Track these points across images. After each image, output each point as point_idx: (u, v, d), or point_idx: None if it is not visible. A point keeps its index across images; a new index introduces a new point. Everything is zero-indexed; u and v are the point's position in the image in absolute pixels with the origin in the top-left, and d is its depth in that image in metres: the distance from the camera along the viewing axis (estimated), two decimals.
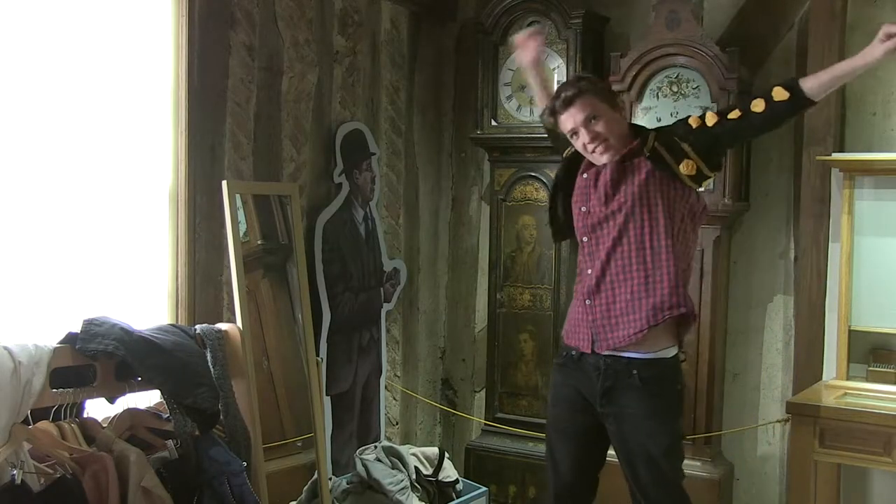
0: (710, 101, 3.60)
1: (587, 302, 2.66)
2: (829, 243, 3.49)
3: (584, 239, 2.69)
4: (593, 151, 2.63)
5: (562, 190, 2.81)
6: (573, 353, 2.71)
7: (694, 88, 3.65)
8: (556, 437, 2.79)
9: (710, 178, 2.69)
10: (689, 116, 2.67)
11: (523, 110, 4.02)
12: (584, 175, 2.70)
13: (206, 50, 3.16)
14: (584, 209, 2.68)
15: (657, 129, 2.70)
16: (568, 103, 2.62)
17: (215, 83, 3.23)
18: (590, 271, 2.67)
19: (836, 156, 3.46)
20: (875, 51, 2.46)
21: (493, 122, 4.04)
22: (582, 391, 2.70)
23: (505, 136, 4.03)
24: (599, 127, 2.61)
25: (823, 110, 3.49)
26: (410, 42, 4.31)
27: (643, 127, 2.77)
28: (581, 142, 2.64)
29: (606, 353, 2.62)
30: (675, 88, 3.68)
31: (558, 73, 3.92)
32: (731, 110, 2.60)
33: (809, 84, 2.51)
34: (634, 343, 2.58)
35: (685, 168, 2.59)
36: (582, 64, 3.82)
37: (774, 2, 3.80)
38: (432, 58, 4.45)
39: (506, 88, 4.04)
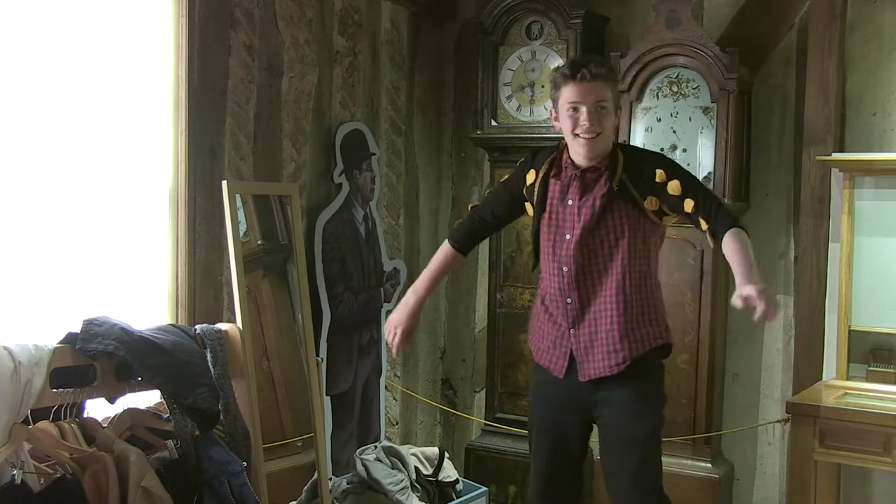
0: (710, 101, 3.60)
1: (571, 331, 2.65)
2: (829, 243, 3.49)
3: (565, 268, 2.63)
4: (584, 136, 2.55)
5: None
6: None
7: (694, 88, 3.65)
8: (538, 436, 2.78)
9: (672, 216, 2.64)
10: (669, 179, 2.57)
11: (523, 110, 4.02)
12: (570, 202, 2.63)
13: (206, 50, 3.16)
14: (568, 237, 2.63)
15: (625, 156, 2.62)
16: (593, 77, 2.54)
17: (215, 83, 3.23)
18: (570, 300, 2.64)
19: (836, 156, 3.46)
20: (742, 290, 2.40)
21: (493, 122, 4.04)
22: (567, 388, 2.69)
23: (505, 136, 4.03)
24: (604, 118, 2.57)
25: (823, 110, 3.49)
26: (410, 42, 4.31)
27: (617, 145, 2.68)
28: (576, 120, 2.55)
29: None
30: (675, 88, 3.68)
31: None
32: (706, 219, 2.54)
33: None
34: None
35: (649, 204, 2.59)
36: None
37: (774, 2, 3.80)
38: (432, 58, 4.45)
39: (506, 88, 4.04)
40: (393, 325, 2.82)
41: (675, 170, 2.62)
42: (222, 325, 2.75)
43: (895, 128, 3.55)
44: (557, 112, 2.65)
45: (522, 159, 2.85)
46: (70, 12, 2.77)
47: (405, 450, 3.60)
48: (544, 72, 3.96)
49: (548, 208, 2.68)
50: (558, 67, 2.68)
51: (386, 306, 4.05)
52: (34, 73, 2.68)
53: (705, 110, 3.64)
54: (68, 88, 2.78)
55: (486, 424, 4.18)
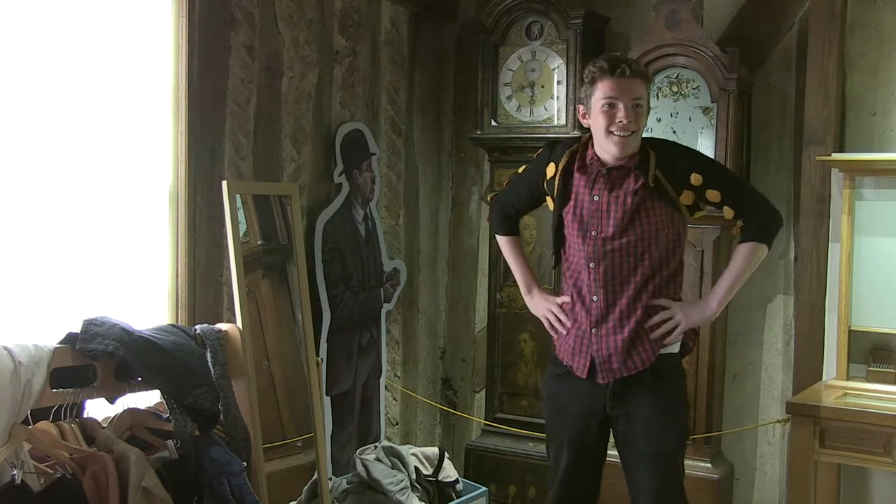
0: (710, 101, 3.60)
1: (593, 330, 2.62)
2: (829, 243, 3.49)
3: (591, 264, 2.60)
4: (619, 134, 2.51)
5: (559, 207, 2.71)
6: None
7: (694, 89, 3.65)
8: (556, 447, 2.76)
9: (703, 210, 2.65)
10: (707, 186, 2.57)
11: (523, 110, 4.02)
12: (596, 197, 2.59)
13: (206, 50, 3.16)
14: (594, 233, 2.59)
15: (656, 151, 2.60)
16: (633, 73, 2.51)
17: (215, 83, 3.23)
18: (595, 298, 2.61)
19: (836, 156, 3.46)
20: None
21: (493, 123, 4.04)
22: (586, 400, 2.66)
23: (505, 136, 4.03)
24: (640, 117, 2.54)
25: (823, 110, 3.49)
26: (410, 42, 4.31)
27: (644, 141, 2.64)
28: (612, 117, 2.51)
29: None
30: (675, 89, 3.68)
31: (558, 73, 3.92)
32: (743, 222, 2.63)
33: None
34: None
35: (685, 199, 2.58)
36: (582, 64, 3.82)
37: (774, 2, 3.80)
38: (432, 58, 4.45)
39: (506, 88, 4.04)
40: (546, 310, 2.77)
41: (710, 173, 2.58)
42: (222, 325, 2.75)
43: (895, 128, 3.55)
44: (588, 108, 2.58)
45: (540, 150, 2.79)
46: (70, 12, 2.77)
47: (405, 450, 3.60)
48: (544, 72, 3.96)
49: (572, 203, 2.64)
50: (592, 63, 2.58)
51: (386, 306, 4.05)
52: (35, 74, 2.68)
53: (705, 110, 3.64)
54: (69, 89, 2.78)
55: (486, 424, 4.18)
